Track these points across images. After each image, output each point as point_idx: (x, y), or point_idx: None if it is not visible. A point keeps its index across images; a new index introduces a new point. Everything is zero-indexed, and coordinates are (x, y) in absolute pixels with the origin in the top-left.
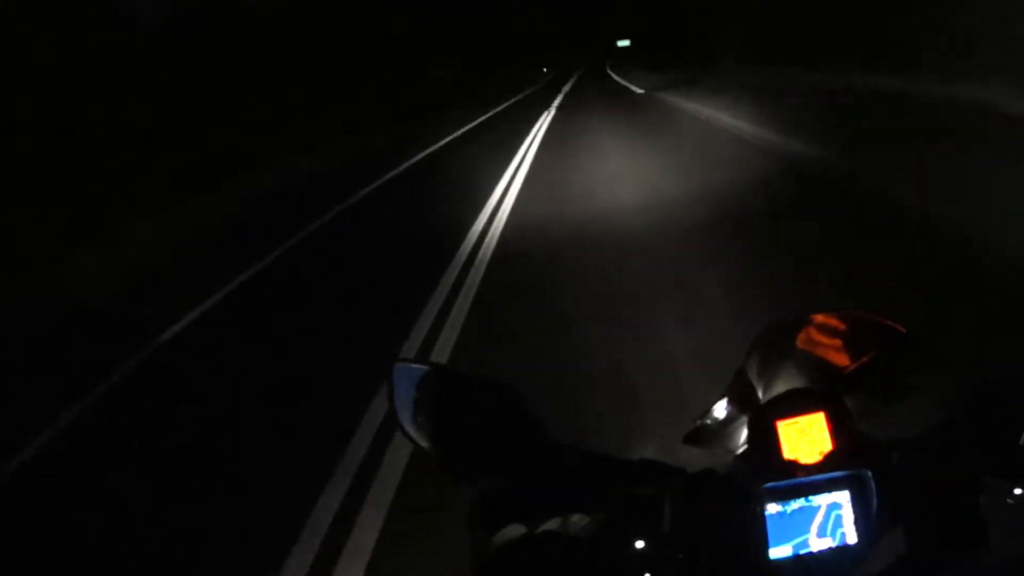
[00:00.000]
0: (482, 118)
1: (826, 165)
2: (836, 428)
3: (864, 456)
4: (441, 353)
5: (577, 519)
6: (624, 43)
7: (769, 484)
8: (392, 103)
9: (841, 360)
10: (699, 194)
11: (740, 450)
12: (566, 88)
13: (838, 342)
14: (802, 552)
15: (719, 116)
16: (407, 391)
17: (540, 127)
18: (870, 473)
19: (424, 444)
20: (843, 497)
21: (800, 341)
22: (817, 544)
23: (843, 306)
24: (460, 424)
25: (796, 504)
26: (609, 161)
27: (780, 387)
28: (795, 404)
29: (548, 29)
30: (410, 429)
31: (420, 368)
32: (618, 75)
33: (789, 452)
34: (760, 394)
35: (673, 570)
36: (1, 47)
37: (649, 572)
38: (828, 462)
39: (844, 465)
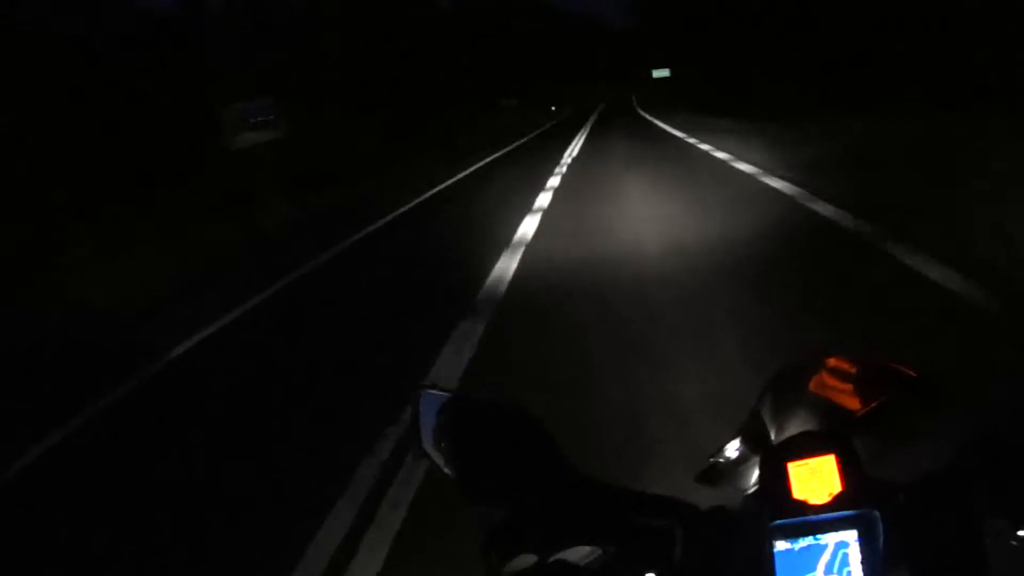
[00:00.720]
0: None
1: None
2: (846, 470)
3: (872, 497)
4: None
5: (589, 550)
6: (662, 73)
7: (778, 521)
8: None
9: (852, 404)
10: None
11: (751, 489)
12: (568, 156)
13: (849, 386)
14: None
15: None
16: (431, 417)
17: None
18: (877, 513)
19: (446, 469)
20: (850, 536)
21: (812, 384)
22: None
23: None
24: (481, 452)
25: (804, 542)
26: None
27: (792, 429)
28: (806, 446)
29: (558, 57)
30: (433, 454)
31: (444, 395)
32: (684, 131)
33: (799, 492)
34: (772, 435)
35: None
36: None
37: None
38: (837, 503)
39: (852, 506)
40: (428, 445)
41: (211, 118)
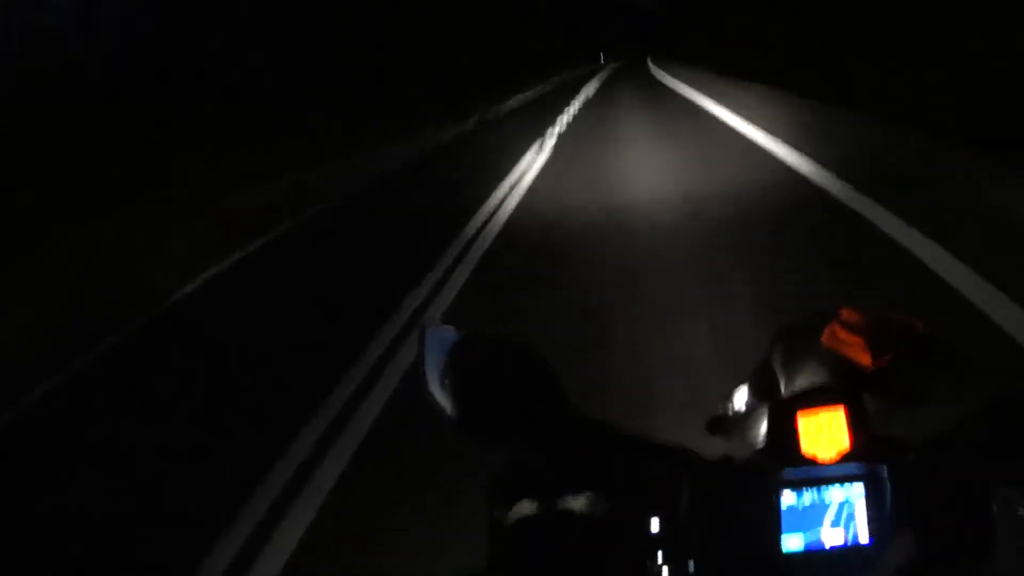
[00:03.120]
0: None
1: None
2: (855, 426)
3: (880, 454)
4: None
5: (593, 497)
6: None
7: (786, 473)
8: None
9: (863, 358)
10: None
11: (759, 440)
12: None
13: (860, 340)
14: (814, 545)
15: None
16: (436, 354)
17: None
18: (886, 470)
19: (448, 408)
20: (857, 492)
21: (824, 336)
22: (829, 539)
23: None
24: (486, 392)
25: (810, 496)
26: None
27: (802, 381)
28: (815, 399)
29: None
30: (436, 392)
31: (451, 332)
32: None
33: (807, 445)
34: (782, 386)
35: (686, 551)
36: None
37: (662, 552)
38: (845, 459)
39: (860, 460)
40: (432, 382)
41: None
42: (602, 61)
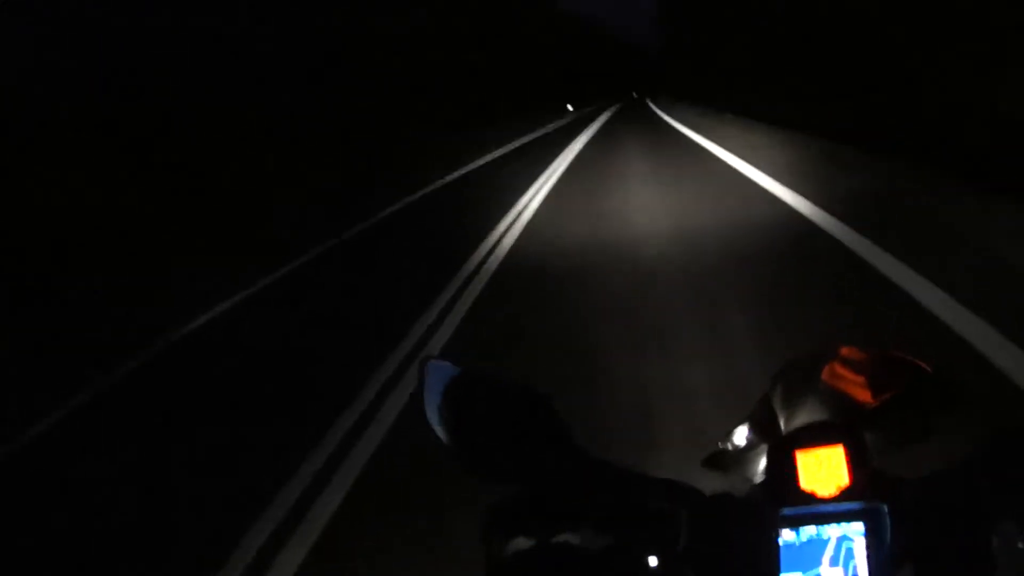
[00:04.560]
0: None
1: None
2: (854, 463)
3: (880, 491)
4: None
5: (591, 532)
6: None
7: (786, 510)
8: None
9: (864, 396)
10: None
11: (758, 477)
12: None
13: (861, 378)
14: None
15: None
16: (437, 388)
17: None
18: (886, 507)
19: (448, 442)
20: (857, 530)
21: (825, 374)
22: (828, 575)
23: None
24: (485, 428)
25: (807, 535)
26: None
27: (802, 418)
28: (815, 436)
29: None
30: (436, 426)
31: (453, 368)
32: None
33: (806, 483)
34: (782, 423)
35: None
36: None
37: None
38: (844, 496)
39: (860, 498)
40: (432, 417)
41: None
42: (568, 108)
